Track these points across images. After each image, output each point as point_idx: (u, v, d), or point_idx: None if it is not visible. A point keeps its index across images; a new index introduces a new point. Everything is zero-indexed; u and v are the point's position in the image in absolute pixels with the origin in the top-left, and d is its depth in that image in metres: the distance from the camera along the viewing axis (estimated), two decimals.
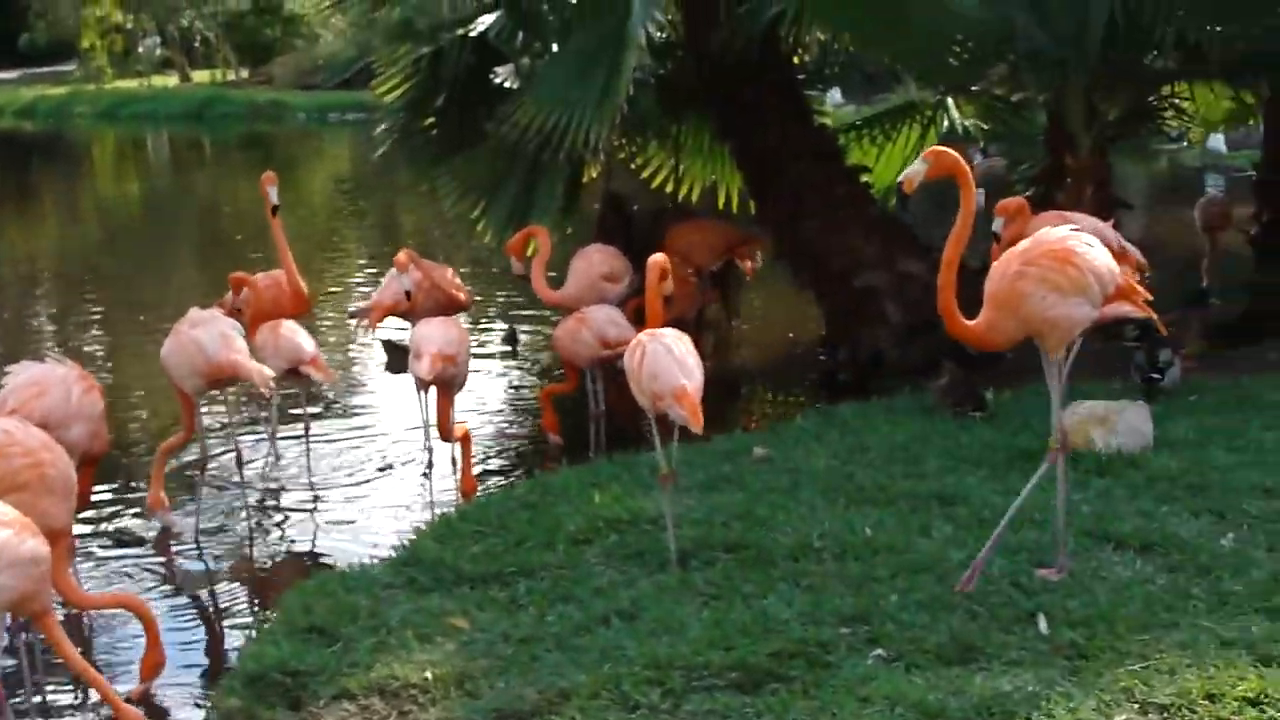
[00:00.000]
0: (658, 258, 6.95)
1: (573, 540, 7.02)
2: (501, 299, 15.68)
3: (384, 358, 13.11)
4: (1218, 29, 10.60)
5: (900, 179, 5.97)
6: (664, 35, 12.48)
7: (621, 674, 5.49)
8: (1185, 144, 23.31)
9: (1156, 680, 5.21)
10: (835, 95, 23.98)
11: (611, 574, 6.62)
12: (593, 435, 10.17)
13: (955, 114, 13.69)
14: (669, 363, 6.45)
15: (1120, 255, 9.03)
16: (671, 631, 5.84)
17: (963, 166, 5.97)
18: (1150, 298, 6.51)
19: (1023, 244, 6.10)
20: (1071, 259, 5.94)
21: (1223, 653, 5.42)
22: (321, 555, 8.50)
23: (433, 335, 9.07)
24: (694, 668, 5.50)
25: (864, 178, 12.56)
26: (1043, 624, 5.75)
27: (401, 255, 10.25)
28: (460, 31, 12.51)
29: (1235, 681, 5.16)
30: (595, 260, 11.02)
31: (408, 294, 10.28)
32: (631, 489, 7.72)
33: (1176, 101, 13.36)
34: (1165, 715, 5.03)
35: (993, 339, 6.06)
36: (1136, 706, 5.08)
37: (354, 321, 13.59)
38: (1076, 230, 6.22)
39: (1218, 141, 23.91)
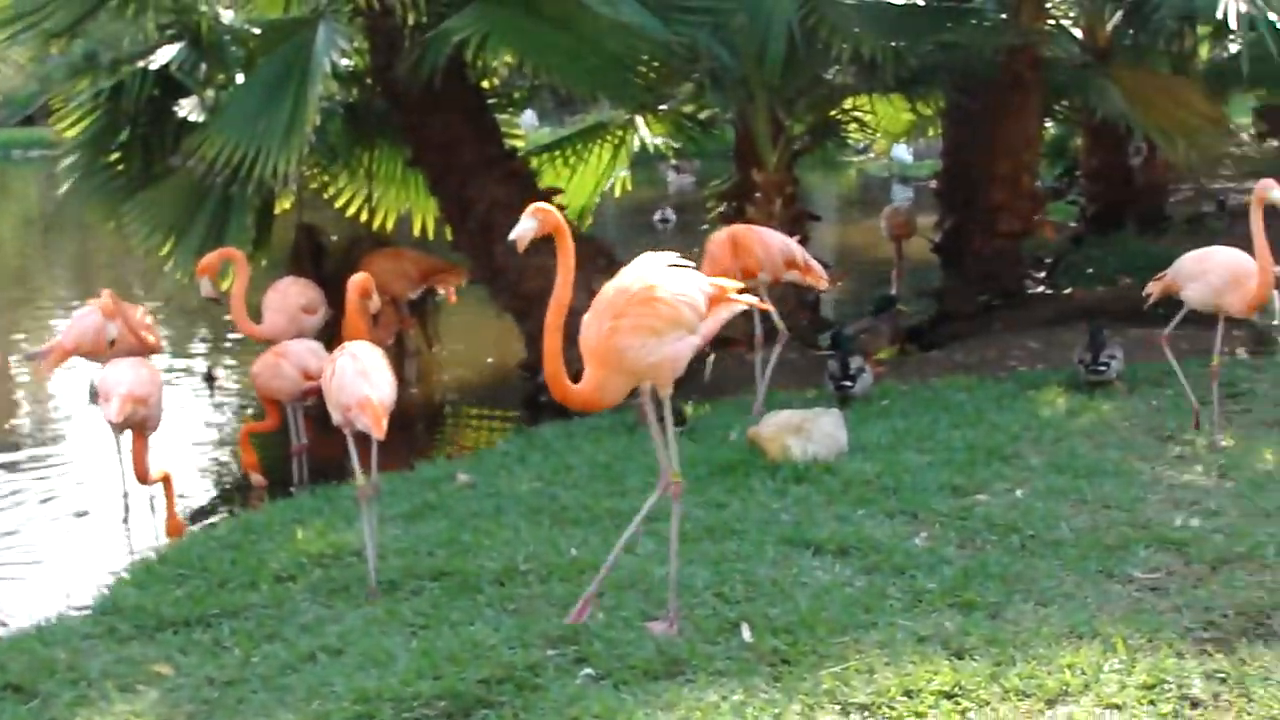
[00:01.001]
0: (359, 277, 6.89)
1: (277, 578, 6.88)
2: (198, 336, 15.32)
3: (83, 399, 12.67)
4: (891, 45, 10.94)
5: (512, 237, 5.71)
6: (351, 63, 12.38)
7: (330, 710, 5.39)
8: (871, 155, 24.01)
9: (856, 680, 5.33)
10: (530, 118, 24.10)
11: (317, 610, 6.51)
12: (295, 470, 9.98)
13: (645, 133, 13.85)
14: (354, 374, 6.57)
15: (804, 269, 9.26)
16: (380, 664, 5.76)
17: (562, 226, 5.77)
18: (743, 286, 6.50)
19: (604, 295, 5.88)
20: (655, 297, 5.77)
21: (919, 649, 5.57)
22: (15, 608, 8.16)
23: (122, 377, 8.81)
24: (403, 699, 5.43)
25: (557, 199, 12.62)
26: (746, 633, 5.83)
27: (107, 302, 9.88)
28: (141, 64, 12.17)
29: (931, 676, 5.31)
30: (291, 293, 10.85)
31: (112, 342, 9.93)
32: (335, 522, 7.62)
33: (859, 115, 13.78)
34: (866, 714, 5.14)
35: (603, 399, 5.90)
36: (838, 708, 5.18)
37: (32, 363, 13.07)
38: (646, 257, 6.03)
39: (903, 152, 24.71)
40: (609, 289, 5.88)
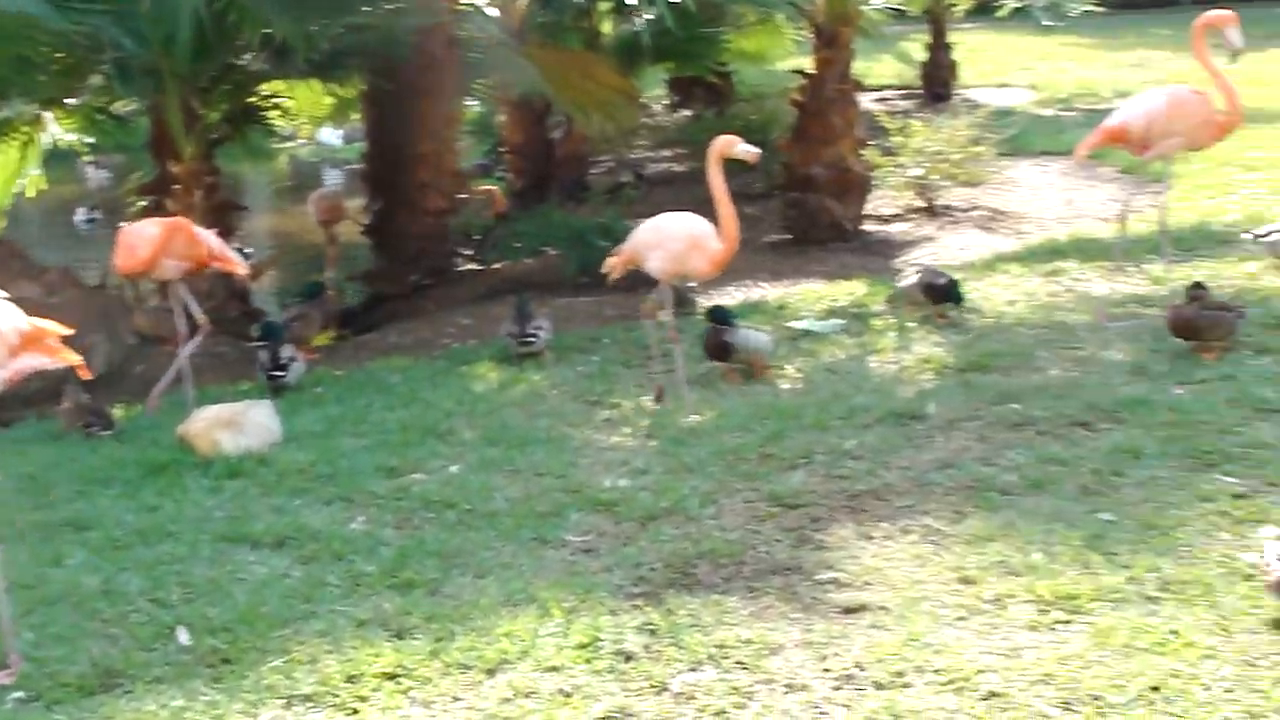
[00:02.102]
0: None
1: None
2: None
3: None
4: (302, 28, 10.83)
5: None
6: None
7: None
8: (300, 141, 23.79)
9: (299, 672, 5.28)
10: None
11: None
12: None
13: (57, 128, 13.29)
14: None
15: (221, 259, 9.10)
16: None
17: None
18: (67, 333, 6.08)
19: None
20: None
21: (359, 633, 5.58)
22: None
23: None
24: None
25: None
26: (183, 636, 5.68)
27: None
28: None
29: (373, 659, 5.32)
30: None
31: None
32: None
33: (279, 101, 13.62)
34: (310, 705, 5.10)
35: None
36: (282, 702, 5.12)
37: None
38: None
39: (332, 136, 24.58)
40: None
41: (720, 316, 8.86)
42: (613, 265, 8.71)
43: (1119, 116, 9.42)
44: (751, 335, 8.86)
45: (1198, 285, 8.56)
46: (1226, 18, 9.00)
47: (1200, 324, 8.33)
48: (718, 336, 8.75)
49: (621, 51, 15.94)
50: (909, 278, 10.09)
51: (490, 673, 5.22)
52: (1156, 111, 9.15)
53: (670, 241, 8.21)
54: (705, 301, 10.57)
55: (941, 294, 9.50)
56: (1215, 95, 9.17)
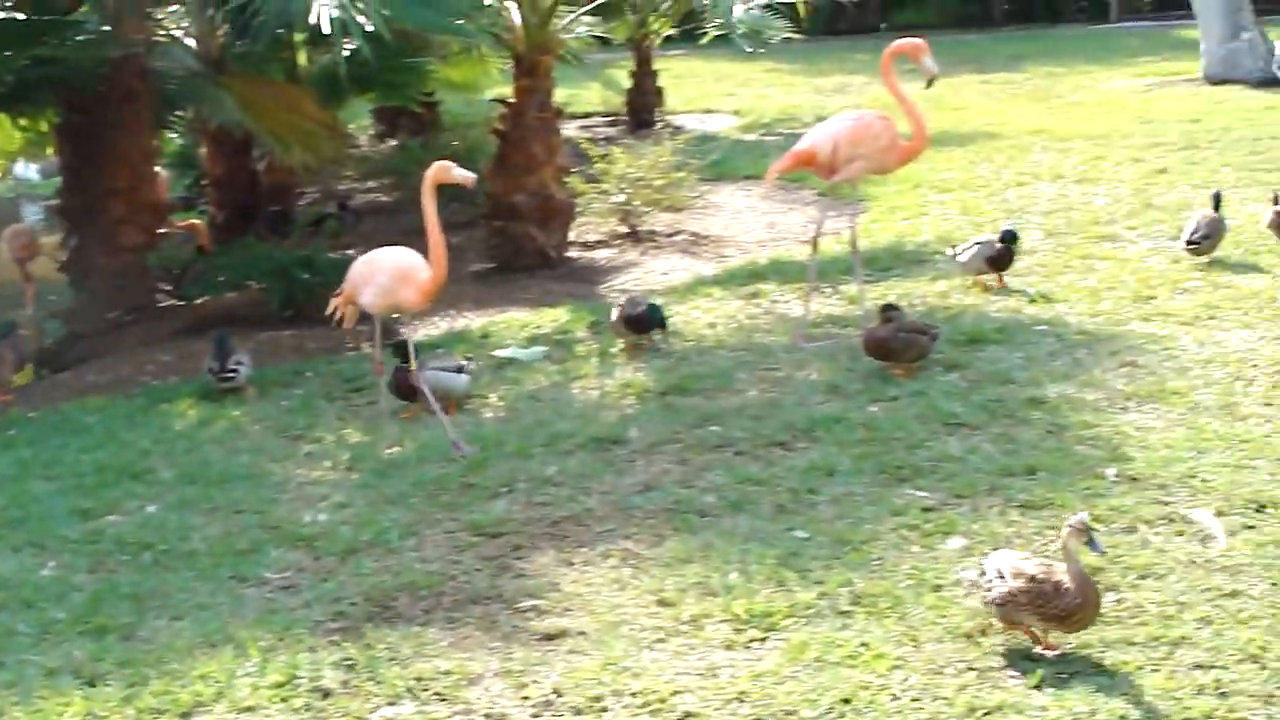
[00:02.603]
0: None
1: None
2: None
3: None
4: None
5: None
6: None
7: None
8: None
9: None
10: None
11: None
12: None
13: None
14: None
15: None
16: None
17: None
18: None
19: None
20: None
21: (49, 682, 5.43)
22: None
23: None
24: None
25: None
26: None
27: None
28: None
29: (62, 709, 5.19)
30: None
31: None
32: None
33: None
34: None
35: None
36: None
37: None
38: None
39: (28, 171, 23.83)
40: None
41: (404, 353, 8.56)
42: (337, 306, 8.54)
43: (806, 141, 9.63)
44: (441, 377, 8.69)
45: (890, 306, 8.80)
46: (916, 46, 9.28)
47: (894, 346, 8.58)
48: (404, 377, 8.54)
49: (323, 82, 15.77)
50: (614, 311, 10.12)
51: (184, 716, 5.14)
52: (842, 136, 9.39)
53: (379, 275, 8.11)
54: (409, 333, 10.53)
55: (640, 323, 9.58)
56: (901, 120, 9.45)
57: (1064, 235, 12.02)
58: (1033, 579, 5.19)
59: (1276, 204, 10.98)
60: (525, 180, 12.90)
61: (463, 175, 7.81)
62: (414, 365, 8.30)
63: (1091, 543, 5.13)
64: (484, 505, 7.07)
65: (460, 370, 8.89)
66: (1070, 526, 5.17)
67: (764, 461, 7.38)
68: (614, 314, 9.78)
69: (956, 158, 16.19)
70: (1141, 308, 9.67)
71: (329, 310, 8.62)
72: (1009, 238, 10.36)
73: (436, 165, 7.89)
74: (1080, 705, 4.87)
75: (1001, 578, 5.29)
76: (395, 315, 8.43)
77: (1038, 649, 5.26)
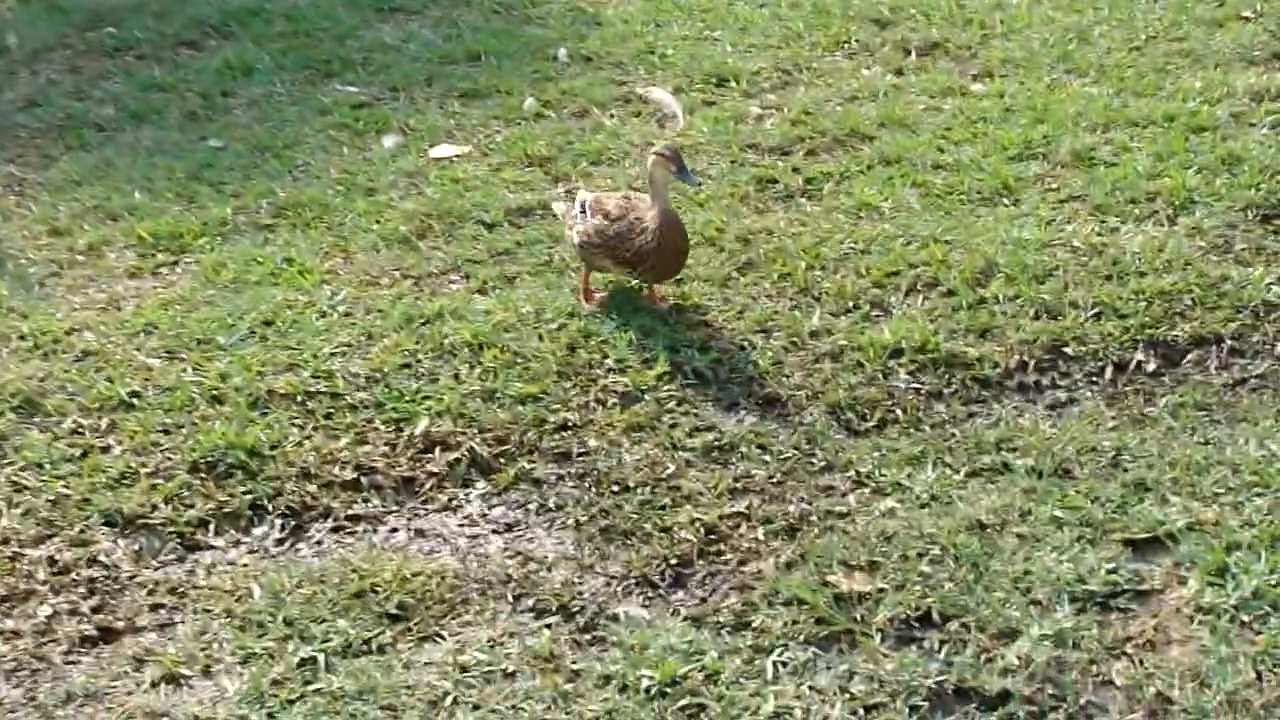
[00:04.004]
0: None
1: None
2: None
3: None
4: None
5: None
6: None
7: None
8: None
9: None
10: None
11: None
12: None
13: None
14: None
15: None
16: None
17: None
18: None
19: None
20: None
21: None
22: None
23: None
24: None
25: None
26: None
27: None
28: None
29: None
30: None
31: None
32: None
33: None
34: None
35: None
36: None
37: None
38: None
39: None
40: None
41: None
42: None
43: None
44: None
45: None
46: None
47: None
48: None
49: None
50: None
51: None
52: None
53: None
54: None
55: None
56: None
57: None
58: (608, 215, 4.37)
59: None
60: None
61: None
62: None
63: (682, 171, 4.26)
64: None
65: None
66: (656, 154, 4.30)
67: (170, 64, 6.57)
68: None
69: None
70: None
71: None
72: None
73: None
74: (527, 306, 4.40)
75: (584, 214, 4.45)
76: None
77: (656, 305, 4.51)
